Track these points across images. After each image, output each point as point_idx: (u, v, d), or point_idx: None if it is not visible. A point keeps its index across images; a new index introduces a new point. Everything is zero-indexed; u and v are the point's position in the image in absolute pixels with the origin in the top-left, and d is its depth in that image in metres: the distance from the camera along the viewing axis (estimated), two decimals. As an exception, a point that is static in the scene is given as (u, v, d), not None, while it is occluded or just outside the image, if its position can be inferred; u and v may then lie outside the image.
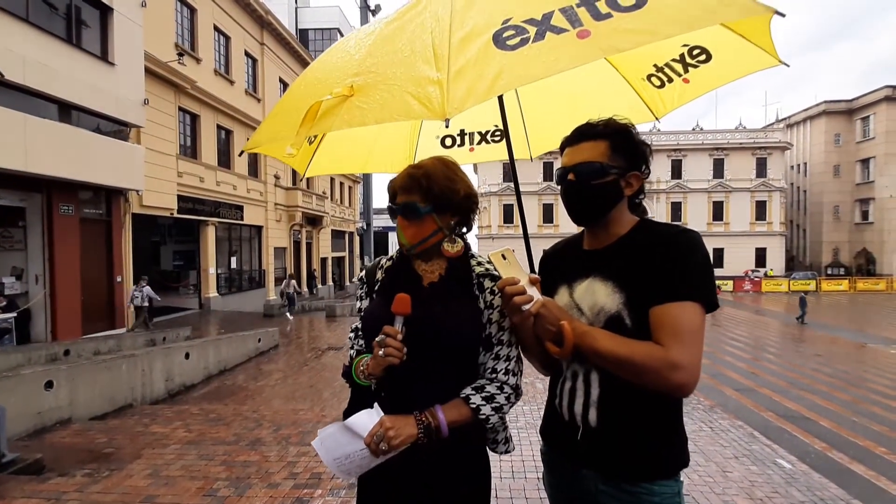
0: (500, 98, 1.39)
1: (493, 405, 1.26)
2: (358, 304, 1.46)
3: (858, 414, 6.58)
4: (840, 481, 3.97)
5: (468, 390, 1.27)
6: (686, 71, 1.59)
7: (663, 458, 1.19)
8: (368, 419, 1.21)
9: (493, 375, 1.29)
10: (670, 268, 1.13)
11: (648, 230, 1.25)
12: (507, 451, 1.40)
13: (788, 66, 1.48)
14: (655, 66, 1.65)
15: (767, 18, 1.27)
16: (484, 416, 1.25)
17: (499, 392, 1.27)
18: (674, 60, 1.60)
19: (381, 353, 1.19)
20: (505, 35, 1.09)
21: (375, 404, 1.24)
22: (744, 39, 1.43)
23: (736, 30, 1.43)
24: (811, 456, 4.85)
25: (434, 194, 1.28)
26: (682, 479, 1.22)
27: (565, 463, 1.30)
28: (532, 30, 1.07)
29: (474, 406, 1.25)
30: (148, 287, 12.12)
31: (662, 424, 1.19)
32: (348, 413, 1.39)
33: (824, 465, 4.57)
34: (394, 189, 1.34)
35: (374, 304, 1.38)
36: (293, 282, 19.01)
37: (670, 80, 1.65)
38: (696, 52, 1.55)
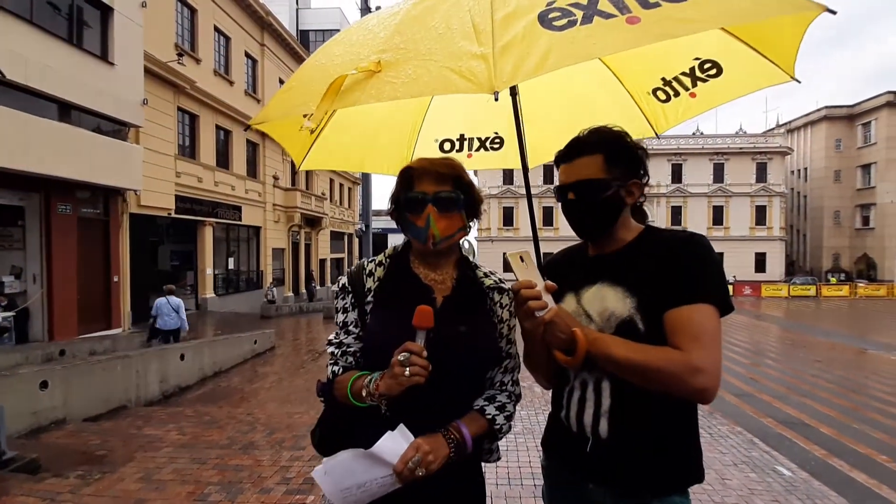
0: (515, 101, 1.36)
1: (506, 414, 1.27)
2: (341, 316, 1.29)
3: (859, 421, 6.51)
4: (840, 489, 3.93)
5: (481, 402, 1.26)
6: (694, 85, 1.56)
7: (677, 473, 1.16)
8: (395, 444, 1.10)
9: (503, 387, 1.31)
10: (684, 271, 1.11)
11: (656, 236, 1.24)
12: (497, 460, 1.37)
13: (800, 81, 1.43)
14: (663, 79, 1.61)
15: (810, 18, 1.23)
16: (498, 426, 1.25)
17: (509, 401, 1.29)
18: (683, 74, 1.57)
19: (406, 372, 1.07)
20: (551, 16, 1.06)
21: (402, 426, 1.13)
22: (758, 54, 1.41)
23: (752, 43, 1.41)
24: (811, 463, 4.79)
25: (465, 189, 1.27)
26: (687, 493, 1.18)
27: (570, 477, 1.24)
28: (579, 13, 1.05)
29: (489, 417, 1.24)
30: (275, 288, 20.21)
31: (676, 437, 1.15)
32: (323, 433, 1.29)
33: (824, 472, 4.51)
34: (420, 176, 1.25)
35: (384, 317, 1.24)
36: None
37: (677, 94, 1.61)
38: (707, 65, 1.51)
